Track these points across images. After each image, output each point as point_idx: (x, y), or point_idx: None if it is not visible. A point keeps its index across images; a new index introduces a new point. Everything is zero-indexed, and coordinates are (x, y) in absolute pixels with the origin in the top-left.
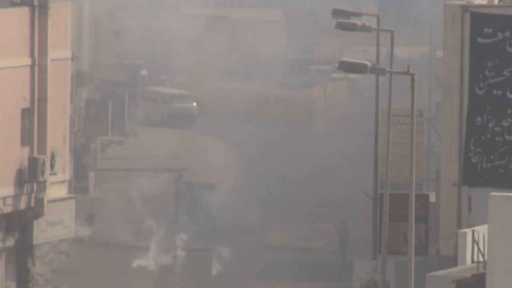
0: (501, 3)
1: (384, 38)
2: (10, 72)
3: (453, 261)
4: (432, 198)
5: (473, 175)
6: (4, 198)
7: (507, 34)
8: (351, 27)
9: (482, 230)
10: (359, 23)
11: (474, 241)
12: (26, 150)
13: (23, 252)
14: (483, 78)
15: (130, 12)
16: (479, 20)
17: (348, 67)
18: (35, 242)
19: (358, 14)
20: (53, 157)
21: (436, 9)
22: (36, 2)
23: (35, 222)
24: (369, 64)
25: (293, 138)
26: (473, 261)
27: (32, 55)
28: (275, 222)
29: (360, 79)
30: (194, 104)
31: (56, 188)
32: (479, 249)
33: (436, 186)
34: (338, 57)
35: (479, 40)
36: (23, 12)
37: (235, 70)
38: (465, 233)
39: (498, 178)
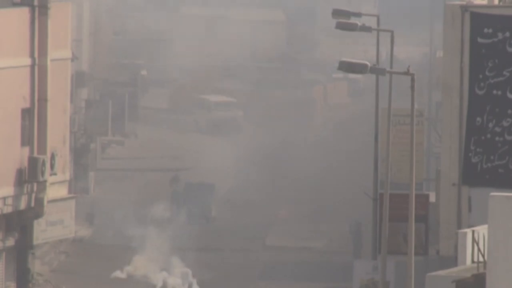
0: (501, 3)
1: (384, 38)
2: (10, 72)
3: (453, 261)
4: (432, 198)
5: (473, 175)
6: (4, 198)
7: (507, 34)
8: (351, 27)
9: (482, 230)
10: (359, 23)
11: (474, 241)
12: (26, 150)
13: (23, 252)
14: (483, 78)
15: (130, 12)
16: (479, 20)
17: (348, 67)
18: (35, 242)
19: (358, 14)
20: (53, 157)
21: (436, 9)
22: (36, 2)
23: (35, 222)
24: (369, 64)
25: (293, 138)
26: (473, 261)
27: (32, 55)
28: (274, 222)
29: (360, 79)
30: (241, 113)
31: (56, 188)
32: (479, 249)
33: (436, 186)
34: (338, 57)
35: (479, 40)
36: (23, 12)
37: (234, 69)
38: (465, 233)
39: (498, 178)
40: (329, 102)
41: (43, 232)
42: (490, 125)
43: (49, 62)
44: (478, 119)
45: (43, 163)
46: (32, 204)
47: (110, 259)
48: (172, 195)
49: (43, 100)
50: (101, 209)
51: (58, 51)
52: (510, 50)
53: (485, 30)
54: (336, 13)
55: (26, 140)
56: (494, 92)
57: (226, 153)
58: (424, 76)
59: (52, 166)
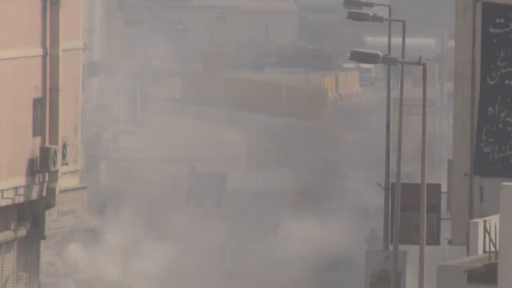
0: None
1: (396, 28)
2: (22, 62)
3: (464, 251)
4: (444, 188)
5: (485, 165)
6: (16, 188)
7: None
8: (362, 17)
9: (493, 220)
10: (370, 13)
11: (485, 231)
12: (38, 140)
13: (35, 242)
14: (495, 68)
15: (142, 2)
16: (491, 10)
17: (360, 57)
18: (46, 232)
19: (369, 4)
20: (64, 147)
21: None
22: None
23: (46, 212)
24: (380, 54)
25: (304, 128)
26: (484, 251)
27: (43, 45)
28: (286, 212)
29: (371, 69)
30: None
31: (68, 178)
32: (490, 239)
33: (448, 176)
34: (349, 47)
35: (491, 30)
36: (35, 2)
37: (246, 59)
38: (477, 223)
39: (510, 168)
40: (340, 92)
41: (55, 222)
42: (502, 115)
43: (60, 52)
44: (490, 109)
45: (55, 153)
46: (44, 194)
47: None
48: (189, 185)
49: (54, 90)
50: (113, 199)
51: (70, 41)
52: None
53: (497, 20)
54: (348, 3)
55: (38, 130)
56: (506, 82)
57: (238, 143)
58: (436, 66)
59: (63, 156)
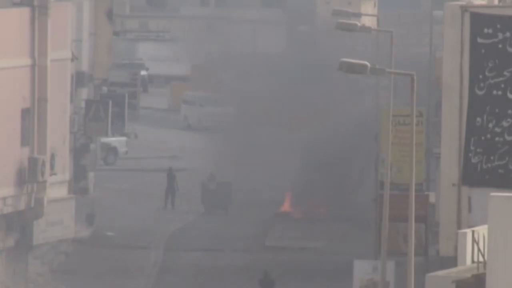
0: (501, 3)
1: (384, 39)
2: (10, 72)
3: (453, 261)
4: (433, 198)
5: (473, 176)
6: (4, 198)
7: (508, 34)
8: (351, 28)
9: (482, 230)
10: (359, 24)
11: (474, 241)
12: (26, 150)
13: (23, 253)
14: (483, 78)
15: (130, 12)
16: (479, 21)
17: (348, 68)
18: (35, 242)
19: (358, 15)
20: (53, 157)
21: (436, 9)
22: (36, 2)
23: (35, 222)
24: (368, 64)
25: (294, 138)
26: (473, 261)
27: (32, 55)
28: (274, 222)
29: (359, 79)
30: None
31: (56, 188)
32: (479, 249)
33: (436, 186)
34: (337, 58)
35: (479, 40)
36: (23, 12)
37: (235, 69)
38: (465, 233)
39: (498, 179)
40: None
41: (43, 232)
42: (490, 125)
43: (49, 62)
44: (478, 119)
45: (43, 163)
46: (32, 204)
47: (110, 259)
48: (202, 193)
49: (43, 100)
50: (101, 209)
51: (58, 51)
52: (510, 50)
53: (485, 31)
54: (336, 13)
55: (26, 140)
56: (494, 92)
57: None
58: (424, 77)
59: (52, 166)
